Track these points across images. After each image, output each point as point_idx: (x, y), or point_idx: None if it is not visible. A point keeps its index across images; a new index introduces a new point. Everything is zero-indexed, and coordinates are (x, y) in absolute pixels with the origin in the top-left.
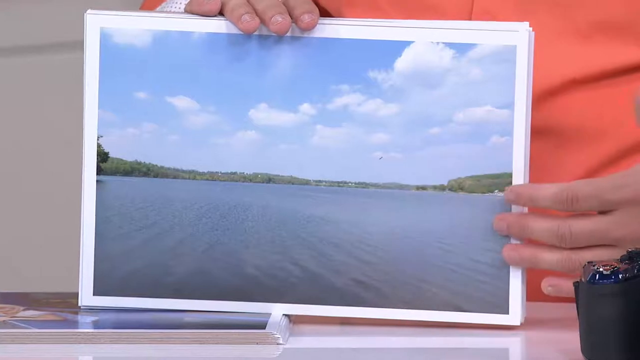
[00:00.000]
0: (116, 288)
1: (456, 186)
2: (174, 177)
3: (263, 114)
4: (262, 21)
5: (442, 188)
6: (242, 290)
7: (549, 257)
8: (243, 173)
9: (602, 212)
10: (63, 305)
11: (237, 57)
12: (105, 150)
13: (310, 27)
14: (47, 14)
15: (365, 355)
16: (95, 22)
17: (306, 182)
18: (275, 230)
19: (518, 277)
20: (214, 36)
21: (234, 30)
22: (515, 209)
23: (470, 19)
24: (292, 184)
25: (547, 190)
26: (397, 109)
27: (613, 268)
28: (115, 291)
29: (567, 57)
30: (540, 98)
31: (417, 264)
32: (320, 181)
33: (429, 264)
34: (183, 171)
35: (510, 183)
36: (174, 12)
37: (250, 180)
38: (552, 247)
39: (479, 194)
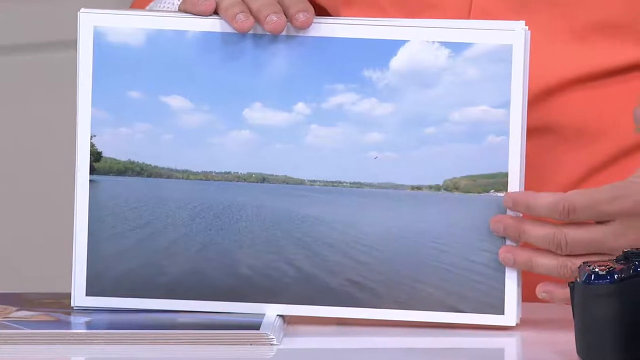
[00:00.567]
0: (109, 288)
1: (452, 186)
2: (168, 177)
3: (257, 113)
4: (257, 20)
5: (437, 188)
6: (236, 290)
7: (545, 262)
8: (237, 173)
9: (599, 222)
10: (56, 305)
11: (231, 56)
12: (99, 150)
13: (306, 26)
14: (40, 12)
15: (360, 356)
16: (89, 21)
17: (301, 182)
18: (270, 230)
19: (514, 278)
20: (208, 35)
21: (228, 29)
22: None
23: (468, 17)
24: (287, 183)
25: (545, 200)
26: (393, 109)
27: (609, 268)
28: (108, 291)
29: (564, 57)
30: (538, 97)
31: (412, 264)
32: (314, 181)
33: (424, 264)
34: (177, 171)
35: (506, 183)
36: (168, 11)
37: (245, 180)
38: (549, 251)
39: (475, 194)
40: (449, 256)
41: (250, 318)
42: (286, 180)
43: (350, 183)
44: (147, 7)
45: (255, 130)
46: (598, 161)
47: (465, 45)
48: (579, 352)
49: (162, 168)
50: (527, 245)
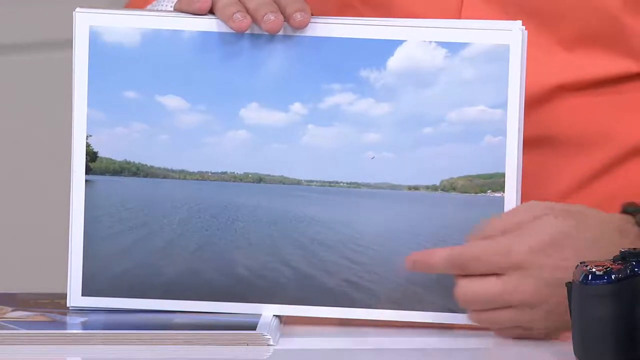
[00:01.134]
0: (105, 288)
1: (449, 186)
2: (164, 177)
3: (254, 113)
4: (254, 20)
5: (434, 188)
6: (233, 290)
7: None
8: (233, 173)
9: (496, 275)
10: (52, 305)
11: (227, 56)
12: (95, 150)
13: (303, 26)
14: (35, 12)
15: (357, 356)
16: (85, 21)
17: (297, 182)
18: (266, 231)
19: None
20: (204, 35)
21: (224, 29)
22: (507, 206)
23: None
24: (283, 183)
25: (439, 256)
26: (389, 109)
27: (606, 268)
28: (104, 291)
29: (552, 65)
30: (528, 105)
31: None
32: (311, 181)
33: None
34: (173, 171)
35: (504, 183)
36: (163, 11)
37: (241, 180)
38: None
39: (472, 194)
40: None
41: (246, 318)
42: (283, 181)
43: (347, 183)
44: (147, 8)
45: (251, 130)
46: (592, 169)
47: (462, 45)
48: (576, 352)
49: (158, 168)
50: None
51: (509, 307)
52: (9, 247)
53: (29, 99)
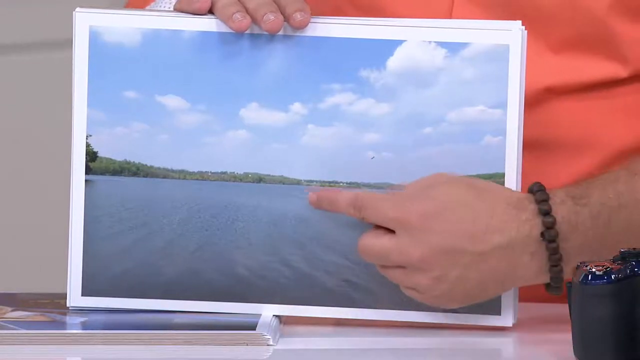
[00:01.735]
0: (105, 288)
1: None
2: (164, 177)
3: (254, 113)
4: (254, 20)
5: None
6: (233, 290)
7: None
8: (233, 173)
9: (392, 233)
10: (51, 305)
11: (227, 56)
12: (94, 150)
13: (303, 26)
14: (35, 12)
15: (356, 357)
16: (85, 20)
17: (297, 182)
18: (266, 231)
19: None
20: (204, 35)
21: (224, 28)
22: None
23: None
24: (283, 183)
25: (344, 196)
26: (389, 109)
27: (606, 268)
28: (104, 291)
29: (540, 68)
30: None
31: None
32: (311, 181)
33: None
34: (173, 171)
35: (503, 183)
36: (163, 11)
37: (241, 180)
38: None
39: None
40: None
41: (246, 318)
42: (282, 181)
43: (347, 183)
44: (147, 8)
45: (251, 130)
46: (582, 172)
47: (462, 45)
48: (575, 352)
49: (158, 168)
50: None
51: (401, 267)
52: (9, 247)
53: (29, 99)
